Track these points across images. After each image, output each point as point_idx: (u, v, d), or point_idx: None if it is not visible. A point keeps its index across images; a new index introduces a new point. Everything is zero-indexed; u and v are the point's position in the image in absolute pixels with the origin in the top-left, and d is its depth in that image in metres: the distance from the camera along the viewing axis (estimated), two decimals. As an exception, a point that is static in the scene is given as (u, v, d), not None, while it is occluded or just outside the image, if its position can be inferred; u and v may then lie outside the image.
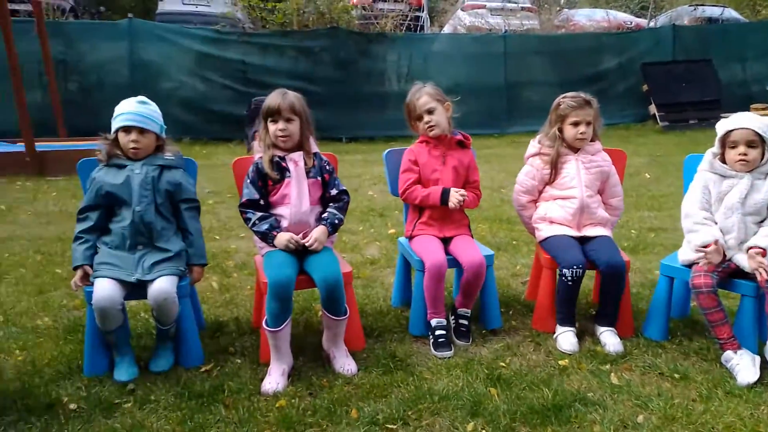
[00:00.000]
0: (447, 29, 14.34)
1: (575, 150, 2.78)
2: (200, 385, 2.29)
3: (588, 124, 2.72)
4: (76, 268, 2.34)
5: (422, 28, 13.47)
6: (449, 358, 2.51)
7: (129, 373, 2.33)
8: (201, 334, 2.59)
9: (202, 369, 2.43)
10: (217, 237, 4.48)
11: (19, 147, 7.08)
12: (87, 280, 2.32)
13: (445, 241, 2.74)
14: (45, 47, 7.96)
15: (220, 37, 10.07)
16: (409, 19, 12.38)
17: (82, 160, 2.50)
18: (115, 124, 2.41)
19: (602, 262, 2.57)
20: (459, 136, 2.80)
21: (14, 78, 6.63)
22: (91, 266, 2.33)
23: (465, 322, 2.68)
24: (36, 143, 6.91)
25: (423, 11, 13.51)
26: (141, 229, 2.35)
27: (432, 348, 2.57)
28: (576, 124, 2.72)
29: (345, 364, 2.38)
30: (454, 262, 2.66)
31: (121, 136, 2.40)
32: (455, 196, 2.66)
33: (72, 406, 2.14)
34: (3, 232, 4.53)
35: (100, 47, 9.51)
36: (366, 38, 10.50)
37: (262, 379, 2.30)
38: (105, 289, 2.22)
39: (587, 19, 14.29)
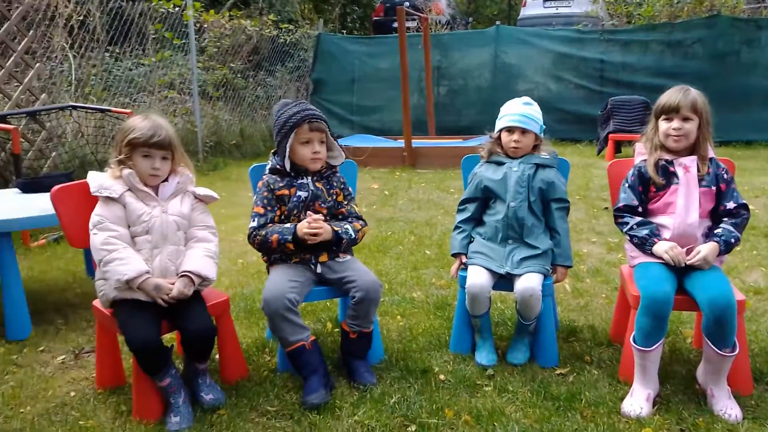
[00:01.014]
0: None
1: None
2: (556, 387, 2.27)
3: None
4: (454, 255, 2.58)
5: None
6: None
7: (489, 358, 2.47)
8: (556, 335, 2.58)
9: (558, 371, 2.41)
10: (568, 239, 4.40)
11: (399, 143, 8.33)
12: (462, 266, 2.54)
13: None
14: (427, 57, 9.15)
15: (580, 36, 9.91)
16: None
17: (465, 156, 2.74)
18: (500, 123, 2.54)
19: None
20: None
21: (404, 85, 7.79)
22: (466, 254, 2.55)
23: None
24: (412, 140, 8.02)
25: None
26: (513, 224, 2.45)
27: None
28: None
29: (727, 407, 2.03)
30: None
31: (504, 135, 2.53)
32: None
33: (441, 376, 2.37)
34: (386, 214, 5.39)
35: (469, 54, 10.45)
36: (755, 24, 8.86)
37: (622, 398, 2.15)
38: (478, 276, 2.39)
39: None
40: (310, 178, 2.38)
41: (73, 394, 2.30)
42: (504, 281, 2.46)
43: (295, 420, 2.07)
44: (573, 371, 2.40)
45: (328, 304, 3.15)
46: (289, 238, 2.24)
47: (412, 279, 3.57)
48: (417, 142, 8.16)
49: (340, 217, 2.44)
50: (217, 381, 2.29)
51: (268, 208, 2.33)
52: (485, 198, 2.57)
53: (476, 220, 2.61)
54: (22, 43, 5.48)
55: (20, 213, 2.87)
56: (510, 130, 2.51)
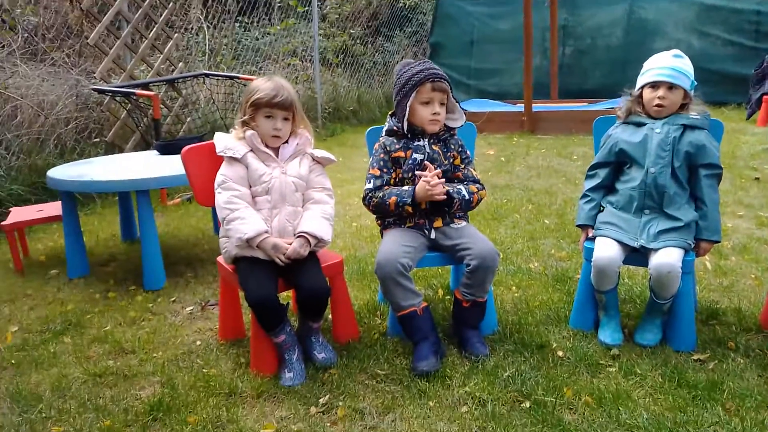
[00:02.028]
0: None
1: None
2: (693, 374, 2.03)
3: None
4: (579, 226, 2.39)
5: None
6: None
7: (614, 338, 2.27)
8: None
9: (695, 357, 2.16)
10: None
11: (518, 108, 7.96)
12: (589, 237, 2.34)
13: None
14: (554, 15, 8.58)
15: (735, -16, 8.75)
16: None
17: (598, 118, 2.49)
18: (643, 79, 2.26)
19: None
20: None
21: (526, 45, 7.38)
22: (593, 227, 2.34)
23: None
24: (532, 104, 7.62)
25: None
26: (651, 193, 2.19)
27: None
28: None
29: None
30: None
31: (647, 92, 2.25)
32: None
33: (559, 353, 2.22)
34: (502, 180, 5.18)
35: (600, 10, 9.67)
36: None
37: (775, 394, 1.88)
38: (607, 248, 2.18)
39: None
40: (426, 140, 2.29)
41: (198, 343, 2.45)
42: (636, 255, 2.23)
43: (405, 385, 2.04)
44: (713, 358, 2.14)
45: (439, 270, 3.09)
46: (408, 200, 2.18)
47: (529, 249, 3.39)
48: (537, 106, 7.74)
49: (456, 181, 2.33)
50: (330, 341, 2.33)
51: (384, 170, 2.28)
52: (619, 163, 2.33)
53: (607, 188, 2.38)
54: (163, 15, 5.87)
55: (156, 173, 3.08)
56: (654, 85, 2.22)
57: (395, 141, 2.30)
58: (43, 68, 5.56)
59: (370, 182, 2.28)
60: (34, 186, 4.57)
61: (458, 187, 2.25)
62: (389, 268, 2.11)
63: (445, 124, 2.31)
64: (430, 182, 2.14)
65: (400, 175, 2.28)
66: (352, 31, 9.61)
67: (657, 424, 1.78)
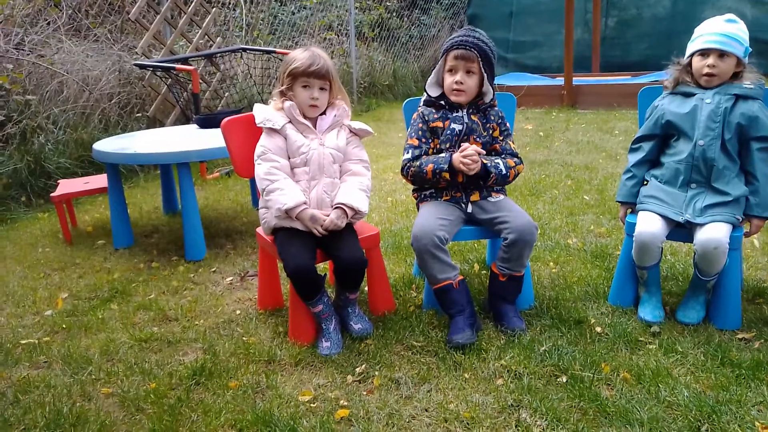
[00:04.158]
0: None
1: None
2: (737, 353, 1.98)
3: None
4: (619, 203, 2.34)
5: None
6: None
7: (654, 315, 2.22)
8: (739, 296, 2.24)
9: (740, 335, 2.10)
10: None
11: (558, 81, 7.76)
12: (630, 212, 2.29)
13: None
14: (597, -16, 8.27)
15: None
16: None
17: (644, 88, 2.41)
18: (693, 46, 2.16)
19: None
20: None
21: (568, 17, 7.15)
22: (634, 204, 2.28)
23: None
24: (573, 77, 7.41)
25: None
26: (699, 166, 2.12)
27: None
28: None
29: None
30: None
31: (696, 60, 2.15)
32: None
33: (597, 329, 2.19)
34: (541, 156, 5.08)
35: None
36: None
37: (825, 375, 1.81)
38: (650, 223, 2.13)
39: None
40: (465, 110, 2.25)
41: (238, 312, 2.51)
42: (680, 230, 2.17)
43: (440, 357, 2.05)
44: (759, 337, 2.08)
45: (475, 244, 3.07)
46: (445, 167, 2.15)
47: (567, 225, 3.34)
48: (578, 80, 7.53)
49: (493, 153, 2.30)
50: (366, 312, 2.35)
51: (423, 140, 2.27)
52: (665, 135, 2.25)
53: (651, 162, 2.31)
54: (200, -10, 5.90)
55: (197, 146, 3.13)
56: (704, 53, 2.12)
57: (434, 111, 2.28)
58: (86, 44, 5.68)
59: (408, 152, 2.27)
60: (81, 159, 4.71)
61: (496, 160, 2.22)
62: (425, 240, 2.11)
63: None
64: (467, 158, 2.12)
65: (438, 146, 2.26)
66: (388, 3, 9.49)
67: (698, 401, 1.74)
